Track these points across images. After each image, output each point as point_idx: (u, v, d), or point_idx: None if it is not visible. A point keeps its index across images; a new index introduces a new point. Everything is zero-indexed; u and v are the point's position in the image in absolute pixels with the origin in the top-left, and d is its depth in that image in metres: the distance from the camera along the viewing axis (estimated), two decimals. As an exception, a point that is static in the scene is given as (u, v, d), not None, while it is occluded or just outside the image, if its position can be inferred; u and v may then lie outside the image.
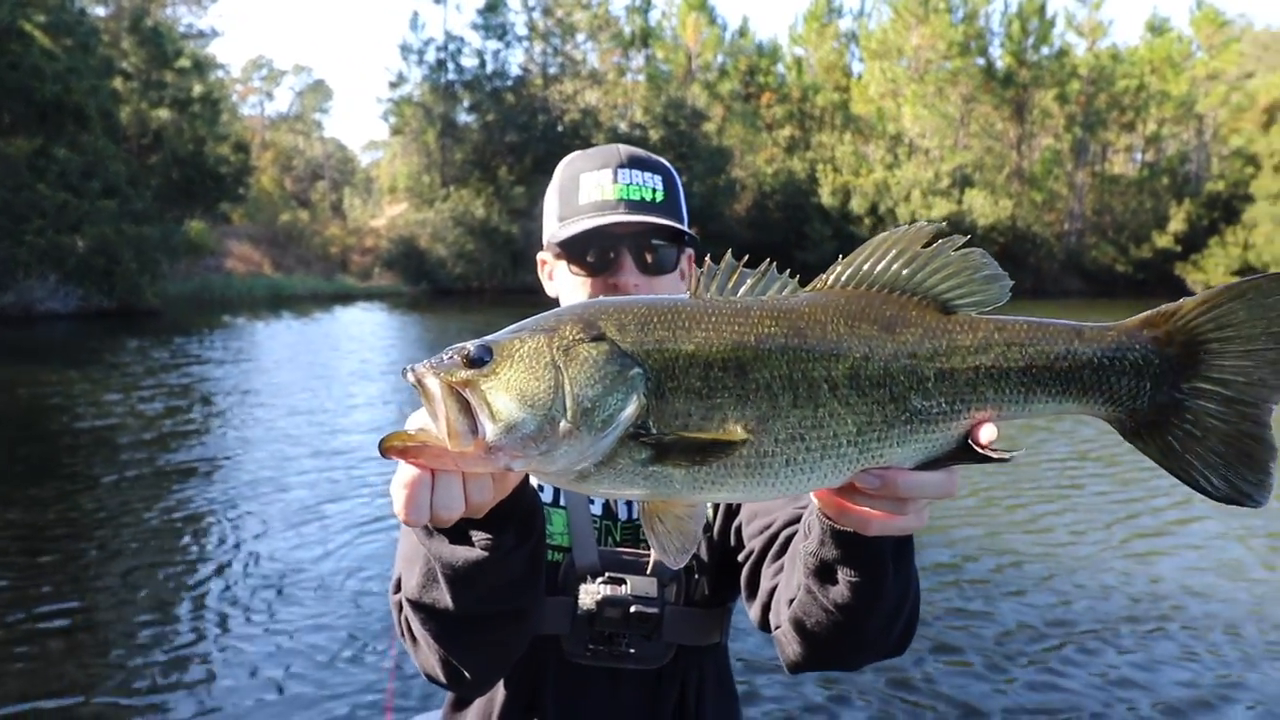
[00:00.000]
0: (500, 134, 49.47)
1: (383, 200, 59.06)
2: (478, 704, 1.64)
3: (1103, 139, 57.95)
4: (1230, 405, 0.99)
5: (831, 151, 55.10)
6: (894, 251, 1.01)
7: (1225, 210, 53.93)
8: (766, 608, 1.43)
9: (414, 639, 1.32)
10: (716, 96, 56.74)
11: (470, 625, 1.25)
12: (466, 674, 1.31)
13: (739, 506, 1.59)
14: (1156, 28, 59.86)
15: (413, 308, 35.09)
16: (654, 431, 0.95)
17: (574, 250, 1.66)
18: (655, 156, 1.75)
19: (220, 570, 6.72)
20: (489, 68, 51.67)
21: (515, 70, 52.57)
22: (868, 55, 59.74)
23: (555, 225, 1.70)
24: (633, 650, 1.56)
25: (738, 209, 51.30)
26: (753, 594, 1.48)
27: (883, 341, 0.99)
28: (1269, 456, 0.99)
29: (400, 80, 52.18)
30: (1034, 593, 6.59)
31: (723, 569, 1.62)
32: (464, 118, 51.89)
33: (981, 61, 56.35)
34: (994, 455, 0.99)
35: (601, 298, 1.12)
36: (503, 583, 1.20)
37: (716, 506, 1.63)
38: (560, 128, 49.07)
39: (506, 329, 1.02)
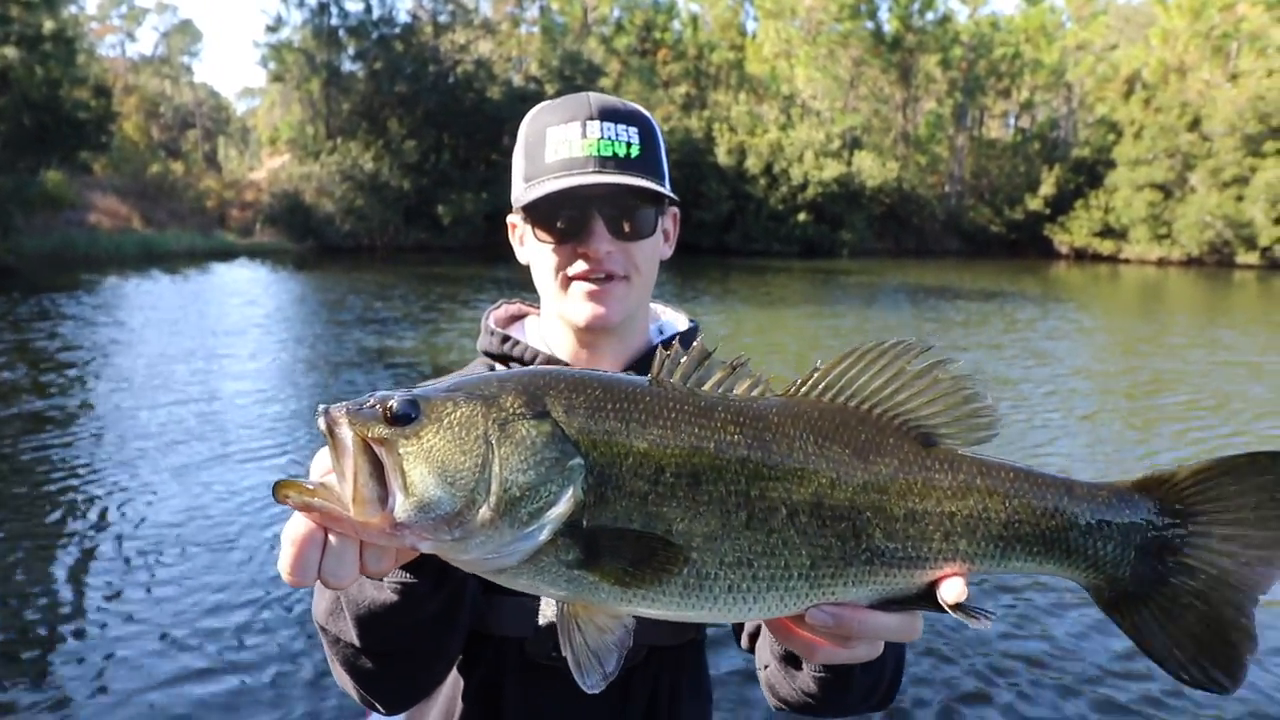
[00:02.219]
0: (389, 84, 47.47)
1: (262, 152, 56.02)
2: (440, 700, 1.56)
3: (981, 104, 60.53)
4: (1213, 588, 0.91)
5: (727, 111, 55.49)
6: (879, 365, 0.91)
7: (1090, 175, 57.44)
8: (754, 636, 1.38)
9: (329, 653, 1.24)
10: (613, 52, 56.08)
11: (378, 660, 1.15)
12: (377, 704, 1.24)
13: None
14: (1032, -2, 62.67)
15: (299, 266, 33.57)
16: (585, 528, 0.84)
17: (540, 215, 1.48)
18: (631, 105, 1.53)
19: (90, 530, 6.38)
20: (375, 13, 49.34)
21: (403, 17, 50.45)
22: (762, 14, 60.20)
23: (521, 187, 1.52)
24: None
25: (635, 167, 51.16)
26: (740, 623, 1.43)
27: (852, 468, 0.89)
28: (1247, 647, 0.90)
29: (279, 23, 49.30)
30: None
31: None
32: (349, 66, 49.54)
33: (870, 25, 57.68)
34: (960, 617, 0.88)
35: (555, 368, 0.99)
36: (413, 624, 1.10)
37: None
38: (452, 79, 47.51)
39: (443, 383, 0.91)
